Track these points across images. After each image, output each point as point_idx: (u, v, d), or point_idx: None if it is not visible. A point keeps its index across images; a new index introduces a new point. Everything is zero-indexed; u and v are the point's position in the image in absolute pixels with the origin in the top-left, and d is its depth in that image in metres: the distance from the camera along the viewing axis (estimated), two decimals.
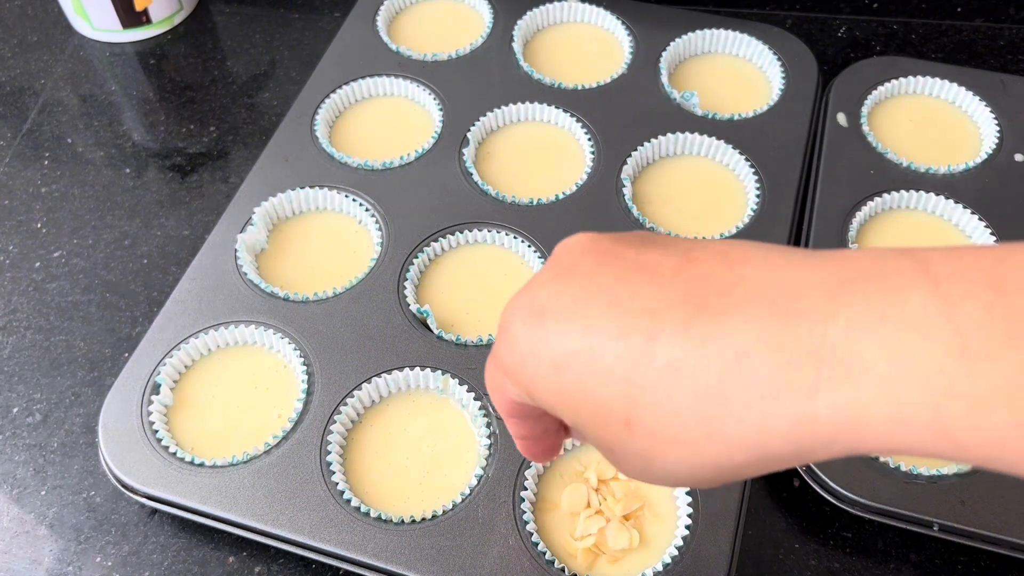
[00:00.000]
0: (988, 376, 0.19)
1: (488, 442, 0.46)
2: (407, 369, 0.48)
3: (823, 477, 0.44)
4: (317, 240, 0.56)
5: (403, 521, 0.43)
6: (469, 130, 0.60)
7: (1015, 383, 0.19)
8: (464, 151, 0.59)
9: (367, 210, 0.56)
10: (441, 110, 0.62)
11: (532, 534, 0.43)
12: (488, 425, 0.46)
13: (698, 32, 0.65)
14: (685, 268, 0.24)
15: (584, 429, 0.26)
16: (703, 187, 0.58)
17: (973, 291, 0.20)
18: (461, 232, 0.55)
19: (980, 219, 0.54)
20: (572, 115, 0.61)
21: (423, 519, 0.44)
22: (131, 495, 0.45)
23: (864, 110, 0.61)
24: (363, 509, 0.44)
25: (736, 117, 0.61)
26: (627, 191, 0.57)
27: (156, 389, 0.48)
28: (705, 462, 0.23)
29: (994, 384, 0.19)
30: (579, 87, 0.63)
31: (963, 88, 0.61)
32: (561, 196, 0.57)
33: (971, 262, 0.20)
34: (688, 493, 0.44)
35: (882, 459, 0.45)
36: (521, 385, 0.27)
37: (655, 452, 0.24)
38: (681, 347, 0.23)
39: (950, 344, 0.19)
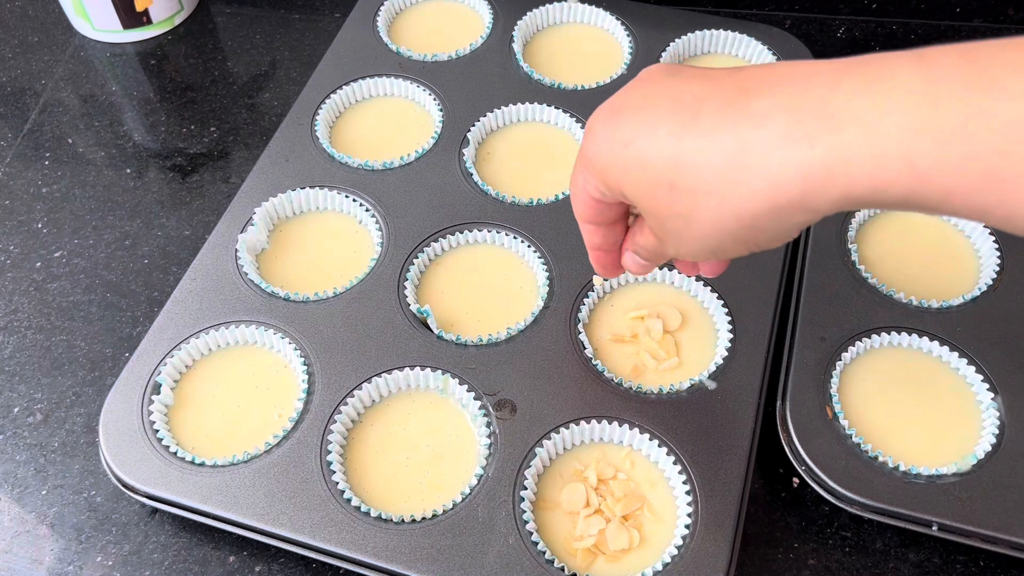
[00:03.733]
0: (949, 117, 0.24)
1: (488, 442, 0.46)
2: (407, 369, 0.48)
3: (823, 477, 0.44)
4: (317, 240, 0.56)
5: (403, 520, 0.43)
6: (469, 130, 0.60)
7: (970, 121, 0.23)
8: (464, 151, 0.59)
9: (367, 210, 0.56)
10: (441, 110, 0.62)
11: (532, 533, 0.43)
12: (488, 425, 0.47)
13: (698, 32, 0.66)
14: (734, 74, 0.30)
15: (639, 200, 0.32)
16: None
17: (949, 60, 0.25)
18: (461, 232, 0.55)
19: None
20: (572, 115, 0.61)
21: (423, 518, 0.44)
22: (132, 495, 0.45)
23: None
24: (363, 508, 0.44)
25: None
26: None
27: (157, 389, 0.48)
28: (730, 212, 0.29)
29: (954, 123, 0.24)
30: (579, 87, 0.63)
31: None
32: (561, 196, 0.57)
33: (955, 47, 0.25)
34: (688, 493, 0.44)
35: (881, 458, 0.45)
36: (597, 171, 0.33)
37: (691, 209, 0.30)
38: (719, 118, 0.28)
39: (924, 96, 0.24)
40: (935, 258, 0.54)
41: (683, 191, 0.30)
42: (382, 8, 0.69)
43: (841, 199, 0.27)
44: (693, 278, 0.52)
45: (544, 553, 0.42)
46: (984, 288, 0.51)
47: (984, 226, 0.54)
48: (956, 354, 0.49)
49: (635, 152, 0.31)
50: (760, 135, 0.27)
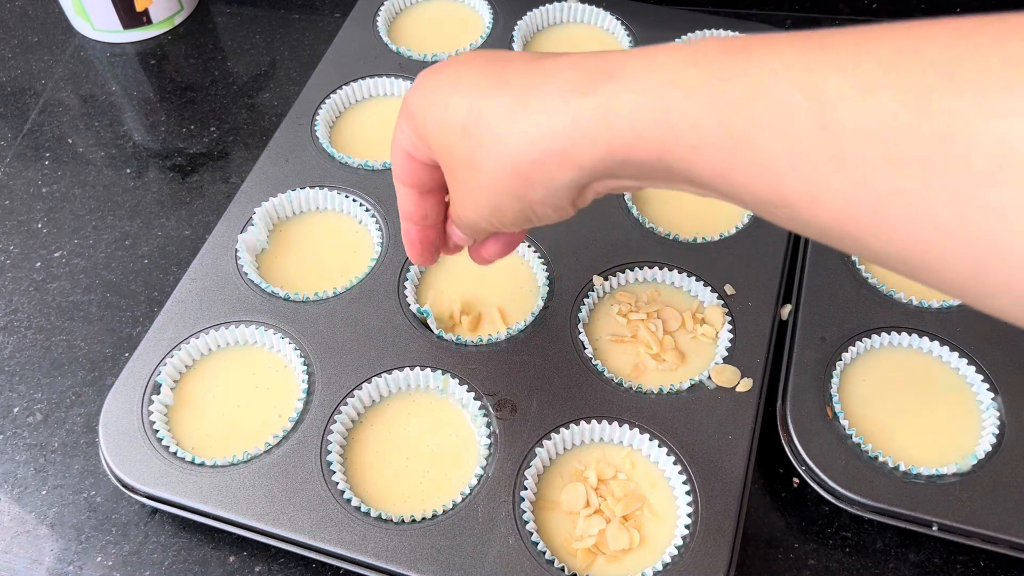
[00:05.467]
0: (700, 72, 0.26)
1: (488, 442, 0.46)
2: (407, 369, 0.48)
3: (823, 477, 0.44)
4: (317, 240, 0.56)
5: (403, 520, 0.43)
6: None
7: (716, 78, 0.26)
8: None
9: (367, 210, 0.56)
10: None
11: (532, 533, 0.43)
12: (488, 425, 0.47)
13: (698, 32, 0.66)
14: (540, 55, 0.32)
15: (437, 145, 0.33)
16: None
17: (720, 41, 0.27)
18: None
19: None
20: None
21: (423, 518, 0.44)
22: (132, 495, 0.45)
23: None
24: (363, 509, 0.44)
25: None
26: (645, 186, 0.57)
27: (157, 389, 0.48)
28: (507, 158, 0.30)
29: (702, 78, 0.26)
30: None
31: None
32: None
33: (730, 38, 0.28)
34: (688, 493, 0.44)
35: (881, 458, 0.45)
36: (409, 117, 0.34)
37: (476, 154, 0.31)
38: (518, 74, 0.31)
39: (686, 57, 0.27)
40: None
41: (471, 137, 0.31)
42: (382, 8, 0.69)
43: (604, 154, 0.28)
44: (693, 278, 0.52)
45: (544, 553, 0.42)
46: None
47: None
48: (956, 354, 0.49)
49: (441, 96, 0.32)
50: (546, 87, 0.29)
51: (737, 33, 0.65)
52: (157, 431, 0.47)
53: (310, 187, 0.57)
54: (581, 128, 0.28)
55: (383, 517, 0.44)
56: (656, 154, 0.27)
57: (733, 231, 0.55)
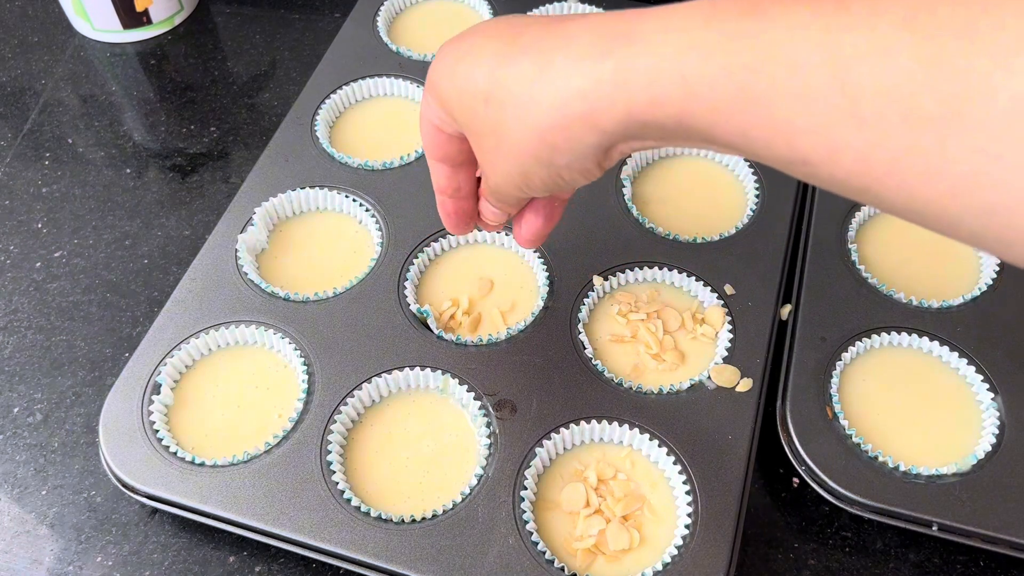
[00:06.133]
0: (715, 34, 0.26)
1: (488, 442, 0.46)
2: (407, 369, 0.48)
3: (823, 477, 0.44)
4: (317, 240, 0.56)
5: (403, 520, 0.43)
6: None
7: (732, 40, 0.26)
8: None
9: (367, 210, 0.56)
10: None
11: (532, 533, 0.43)
12: (488, 425, 0.47)
13: None
14: (556, 18, 0.32)
15: (462, 116, 0.34)
16: (702, 187, 0.58)
17: (728, 1, 0.27)
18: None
19: None
20: None
21: (423, 518, 0.44)
22: (132, 495, 0.45)
23: None
24: (363, 509, 0.44)
25: None
26: (627, 191, 0.57)
27: (157, 389, 0.48)
28: (531, 124, 0.30)
29: (718, 40, 0.26)
30: None
31: None
32: None
33: None
34: (688, 493, 0.44)
35: (881, 458, 0.45)
36: (434, 92, 0.34)
37: (500, 123, 0.32)
38: (535, 39, 0.31)
39: (702, 18, 0.27)
40: (935, 258, 0.54)
41: (494, 104, 0.32)
42: (382, 8, 0.69)
43: (625, 117, 0.28)
44: (693, 278, 0.52)
45: (544, 553, 0.42)
46: (984, 288, 0.51)
47: None
48: (956, 354, 0.49)
49: (464, 68, 0.33)
50: (565, 51, 0.29)
51: None
52: (157, 431, 0.47)
53: (310, 187, 0.57)
54: (601, 92, 0.28)
55: (383, 517, 0.44)
56: (676, 116, 0.28)
57: (733, 231, 0.55)
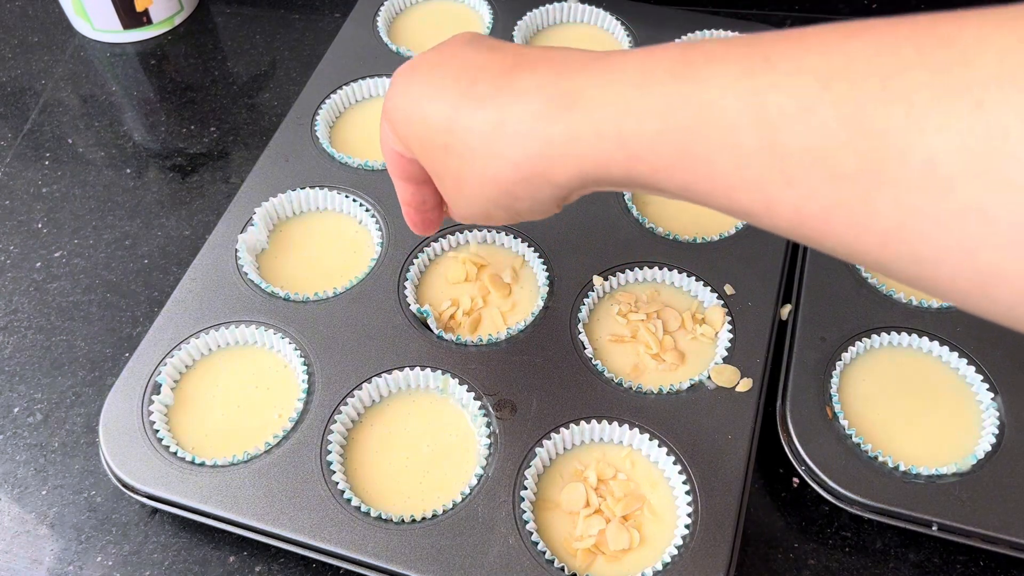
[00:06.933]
0: (650, 99, 0.27)
1: (488, 442, 0.46)
2: (407, 369, 0.48)
3: (823, 477, 0.44)
4: (317, 240, 0.56)
5: (403, 520, 0.43)
6: None
7: (666, 103, 0.27)
8: None
9: (367, 210, 0.56)
10: None
11: (532, 533, 0.43)
12: (488, 425, 0.47)
13: (697, 32, 0.66)
14: (517, 50, 0.33)
15: (422, 157, 0.35)
16: None
17: (667, 54, 0.28)
18: (461, 232, 0.55)
19: None
20: None
21: (423, 518, 0.44)
22: (132, 495, 0.45)
23: None
24: (363, 508, 0.44)
25: None
26: (627, 191, 0.57)
27: (157, 389, 0.48)
28: (491, 178, 0.32)
29: (653, 105, 0.27)
30: None
31: None
32: None
33: (678, 45, 0.29)
34: (688, 493, 0.44)
35: (881, 458, 0.45)
36: (392, 123, 0.35)
37: (461, 171, 0.33)
38: (491, 89, 0.32)
39: (636, 83, 0.28)
40: None
41: (454, 154, 0.33)
42: (382, 8, 0.69)
43: (577, 174, 0.30)
44: (693, 278, 0.52)
45: (544, 553, 0.42)
46: None
47: None
48: (956, 354, 0.49)
49: (420, 111, 0.33)
50: (518, 109, 0.31)
51: (736, 33, 0.65)
52: (157, 431, 0.47)
53: (310, 187, 0.57)
54: (553, 153, 0.30)
55: (383, 517, 0.44)
56: (623, 172, 0.29)
57: (733, 231, 0.55)
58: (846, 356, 0.49)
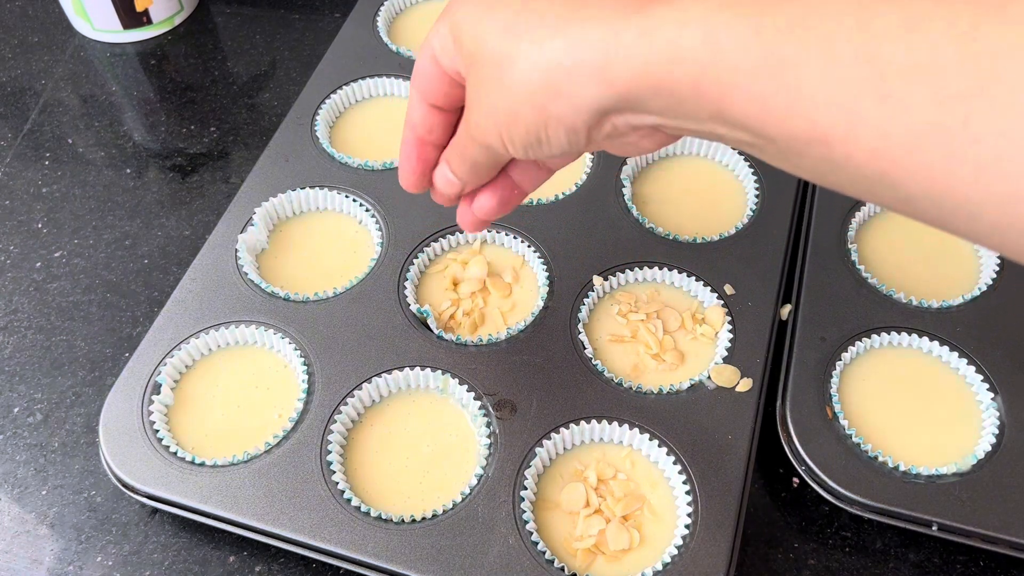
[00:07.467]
0: (743, 7, 0.26)
1: (488, 442, 0.46)
2: (407, 369, 0.48)
3: (823, 477, 0.44)
4: (317, 240, 0.56)
5: (403, 520, 0.43)
6: None
7: (762, 8, 0.25)
8: None
9: (367, 210, 0.56)
10: None
11: (532, 533, 0.43)
12: (488, 425, 0.47)
13: None
14: None
15: (474, 41, 0.32)
16: (702, 187, 0.58)
17: None
18: (461, 232, 0.55)
19: None
20: None
21: (423, 518, 0.44)
22: (132, 495, 0.45)
23: None
24: (363, 508, 0.44)
25: None
26: (626, 191, 0.57)
27: (157, 389, 0.48)
28: (544, 61, 0.30)
29: (750, 3, 0.26)
30: None
31: None
32: (561, 196, 0.57)
33: None
34: (688, 493, 0.44)
35: (881, 458, 0.45)
36: (451, 14, 0.33)
37: (511, 53, 0.30)
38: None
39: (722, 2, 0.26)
40: (935, 258, 0.54)
41: (512, 34, 0.31)
42: (382, 8, 0.69)
43: (640, 72, 0.28)
44: (693, 278, 0.52)
45: (544, 553, 0.42)
46: (984, 288, 0.51)
47: None
48: (956, 354, 0.49)
49: (491, 13, 0.31)
50: (598, 7, 0.29)
51: None
52: (157, 431, 0.47)
53: (310, 187, 0.57)
54: (622, 41, 0.28)
55: (383, 517, 0.44)
56: (693, 77, 0.27)
57: (733, 231, 0.55)
58: (846, 356, 0.49)
